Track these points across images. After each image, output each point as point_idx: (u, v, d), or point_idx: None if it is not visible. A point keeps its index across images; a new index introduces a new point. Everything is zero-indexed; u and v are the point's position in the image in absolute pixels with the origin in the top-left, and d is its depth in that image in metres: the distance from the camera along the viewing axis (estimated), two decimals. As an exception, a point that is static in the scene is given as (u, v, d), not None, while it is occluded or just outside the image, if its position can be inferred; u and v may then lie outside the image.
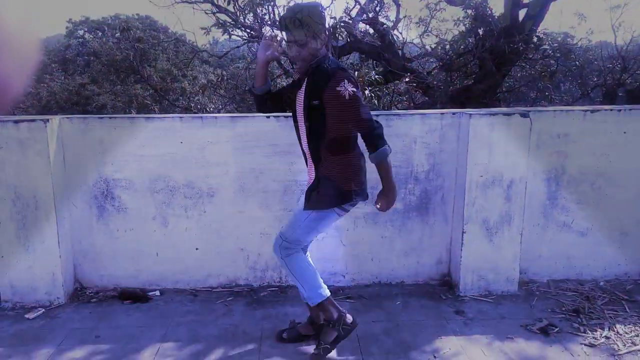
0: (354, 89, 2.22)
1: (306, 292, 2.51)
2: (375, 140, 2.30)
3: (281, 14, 2.41)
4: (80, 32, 23.71)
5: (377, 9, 6.56)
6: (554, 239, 3.35)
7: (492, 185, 3.08)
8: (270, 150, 3.18)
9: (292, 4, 6.01)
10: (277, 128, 3.17)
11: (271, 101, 2.50)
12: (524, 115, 3.03)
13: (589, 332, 2.72)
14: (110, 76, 13.50)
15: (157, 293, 3.27)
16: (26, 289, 3.10)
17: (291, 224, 2.48)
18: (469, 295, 3.18)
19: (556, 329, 2.76)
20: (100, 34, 21.32)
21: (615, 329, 2.75)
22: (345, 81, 2.20)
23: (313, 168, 2.40)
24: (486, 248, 3.15)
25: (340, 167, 2.33)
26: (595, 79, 7.58)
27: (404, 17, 6.77)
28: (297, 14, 2.22)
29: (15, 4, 0.42)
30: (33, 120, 2.96)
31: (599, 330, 2.75)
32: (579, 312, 2.93)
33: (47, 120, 2.98)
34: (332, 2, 6.54)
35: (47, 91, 14.36)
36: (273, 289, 3.31)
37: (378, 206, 2.45)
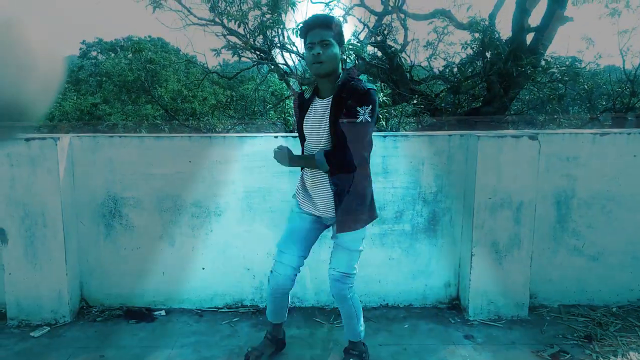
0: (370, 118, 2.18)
1: (361, 327, 2.52)
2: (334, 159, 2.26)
3: (309, 17, 2.34)
4: (93, 53, 24.16)
5: (386, 32, 6.63)
6: (564, 263, 3.31)
7: (501, 208, 3.05)
8: (277, 170, 3.18)
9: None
10: (286, 148, 3.18)
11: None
12: (533, 137, 3.02)
13: (602, 359, 2.66)
14: (122, 96, 13.70)
15: (163, 312, 3.25)
16: (32, 307, 3.09)
17: (343, 257, 2.36)
18: (478, 319, 3.13)
19: (568, 356, 2.70)
20: (112, 55, 21.69)
21: (629, 356, 2.68)
22: (370, 107, 2.16)
23: (329, 185, 2.30)
24: (495, 271, 3.11)
25: (363, 183, 2.31)
26: (604, 102, 7.57)
27: (412, 40, 6.84)
28: (328, 17, 2.25)
29: (38, 24, 0.43)
30: (44, 139, 3.00)
31: (612, 357, 2.68)
32: (591, 339, 2.87)
33: (58, 138, 3.01)
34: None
35: (60, 111, 14.57)
36: (279, 310, 3.28)
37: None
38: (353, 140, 2.20)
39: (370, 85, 2.21)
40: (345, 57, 2.32)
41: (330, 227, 2.46)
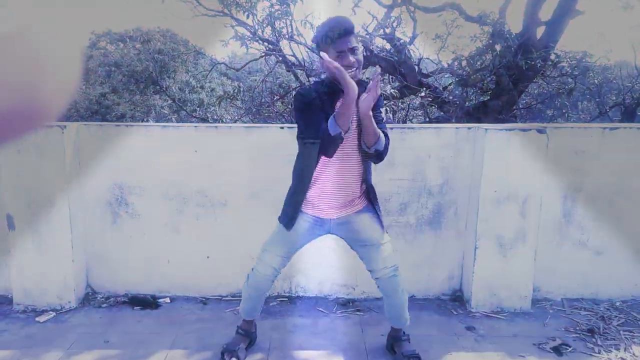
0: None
1: (407, 313, 2.55)
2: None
3: (331, 23, 2.21)
4: (103, 44, 24.22)
5: (395, 24, 6.59)
6: (569, 257, 3.29)
7: (507, 201, 3.04)
8: (283, 160, 3.18)
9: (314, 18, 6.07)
10: (291, 139, 3.18)
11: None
12: (541, 131, 3.00)
13: (604, 353, 2.65)
14: (130, 86, 13.75)
15: (167, 300, 3.28)
16: (38, 292, 3.13)
17: (385, 252, 2.38)
18: (481, 311, 3.13)
19: (570, 349, 2.70)
20: (121, 45, 21.74)
21: (631, 351, 2.67)
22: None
23: (359, 186, 2.32)
24: (499, 264, 3.10)
25: (367, 177, 2.37)
26: (614, 97, 7.49)
27: (421, 33, 6.78)
28: (351, 22, 2.20)
29: (53, 14, 0.43)
30: (50, 126, 3.02)
31: (614, 351, 2.67)
32: (593, 332, 2.87)
33: (65, 126, 3.03)
34: (350, 17, 6.58)
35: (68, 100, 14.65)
36: (282, 299, 3.30)
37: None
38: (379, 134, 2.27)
39: None
40: None
41: (334, 234, 2.42)
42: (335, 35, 2.15)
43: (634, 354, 2.64)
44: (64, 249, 3.09)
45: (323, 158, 2.24)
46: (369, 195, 2.38)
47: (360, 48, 2.22)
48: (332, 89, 2.22)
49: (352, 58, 2.15)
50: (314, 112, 2.18)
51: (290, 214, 2.35)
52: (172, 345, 2.72)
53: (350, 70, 2.13)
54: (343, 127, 2.09)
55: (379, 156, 2.27)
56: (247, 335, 2.65)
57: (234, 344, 2.59)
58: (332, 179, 2.28)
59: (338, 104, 2.20)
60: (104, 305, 3.21)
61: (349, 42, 2.14)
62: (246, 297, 2.55)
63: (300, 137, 2.28)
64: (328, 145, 2.14)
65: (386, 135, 2.25)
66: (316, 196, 2.32)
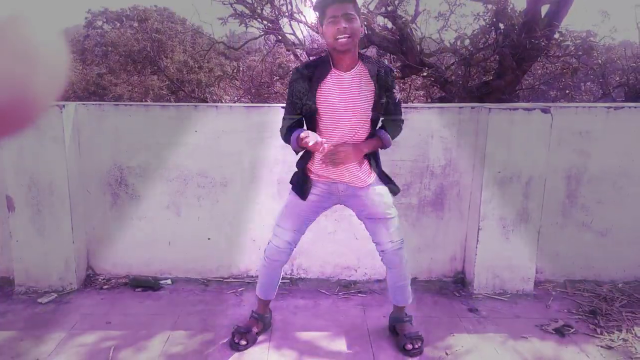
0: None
1: (410, 291, 2.56)
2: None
3: None
4: (99, 23, 23.91)
5: (396, 2, 6.48)
6: (572, 239, 3.28)
7: (510, 182, 3.02)
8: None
9: None
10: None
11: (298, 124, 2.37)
12: (545, 111, 2.96)
13: (606, 334, 2.66)
14: (128, 67, 13.60)
15: (169, 282, 3.27)
16: (40, 274, 3.12)
17: (391, 227, 2.38)
18: (483, 293, 3.13)
19: (572, 330, 2.70)
20: (118, 24, 21.47)
21: (633, 332, 2.68)
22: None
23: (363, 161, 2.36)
24: (502, 246, 3.09)
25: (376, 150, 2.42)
26: (618, 78, 7.42)
27: (423, 11, 6.68)
28: None
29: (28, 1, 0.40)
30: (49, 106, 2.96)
31: (617, 332, 2.68)
32: (596, 314, 2.87)
33: (63, 106, 2.99)
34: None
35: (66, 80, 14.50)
36: (284, 281, 3.29)
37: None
38: (393, 113, 2.36)
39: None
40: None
41: (343, 205, 2.46)
42: (328, 2, 2.15)
43: (636, 335, 2.64)
44: (64, 230, 3.07)
45: (323, 126, 2.29)
46: (378, 169, 2.41)
47: (358, 20, 2.18)
48: (323, 68, 2.26)
49: (344, 24, 2.12)
50: (293, 99, 2.29)
51: (299, 184, 2.39)
52: (174, 326, 2.72)
53: (340, 37, 2.12)
54: (295, 149, 2.29)
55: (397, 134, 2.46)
56: (261, 319, 2.63)
57: (247, 327, 2.58)
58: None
59: (331, 74, 2.24)
60: (106, 287, 3.21)
61: (343, 8, 2.12)
62: (262, 272, 2.55)
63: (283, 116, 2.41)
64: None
65: (396, 121, 2.38)
66: (321, 162, 2.32)
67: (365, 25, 5.68)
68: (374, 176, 2.38)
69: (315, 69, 2.26)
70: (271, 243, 2.48)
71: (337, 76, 2.24)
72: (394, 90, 2.31)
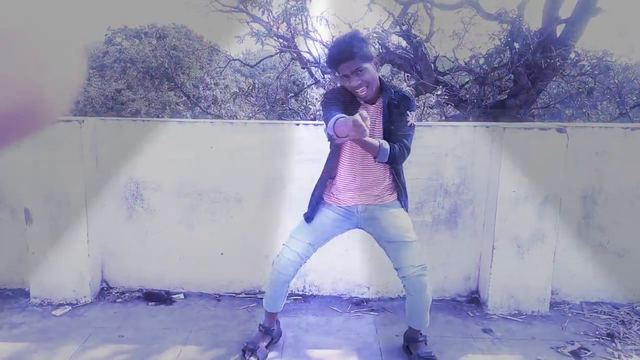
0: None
1: (428, 315, 2.51)
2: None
3: (332, 50, 2.30)
4: (118, 40, 24.38)
5: (411, 21, 6.54)
6: (588, 260, 3.23)
7: (525, 201, 2.99)
8: (298, 158, 3.17)
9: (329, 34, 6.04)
10: (306, 136, 3.16)
11: None
12: (561, 130, 2.94)
13: (624, 358, 2.60)
14: (145, 82, 13.82)
15: (182, 296, 3.28)
16: (54, 286, 3.15)
17: (413, 250, 2.38)
18: (498, 313, 3.08)
19: (588, 353, 2.65)
20: (137, 41, 21.86)
21: (653, 357, 2.61)
22: (415, 112, 2.38)
23: (384, 180, 2.39)
24: (517, 266, 3.05)
25: (397, 174, 2.42)
26: (635, 98, 7.35)
27: (438, 30, 6.72)
28: (349, 45, 2.19)
29: (55, 12, 0.42)
30: (69, 121, 3.03)
31: (635, 356, 2.62)
32: (613, 337, 2.81)
33: (82, 121, 3.05)
34: (366, 14, 6.56)
35: (84, 96, 14.76)
36: (296, 297, 3.28)
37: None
38: (403, 140, 2.33)
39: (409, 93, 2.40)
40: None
41: (361, 229, 2.47)
42: (334, 63, 2.25)
43: (655, 360, 2.58)
44: (80, 243, 3.10)
45: (346, 151, 2.34)
46: (399, 192, 2.43)
47: (370, 66, 2.23)
48: (353, 97, 2.32)
49: (356, 80, 2.20)
50: (332, 108, 2.22)
51: (311, 206, 2.44)
52: (186, 341, 2.72)
53: (358, 91, 2.23)
54: (338, 134, 2.00)
55: (390, 163, 2.33)
56: (268, 333, 2.62)
57: (255, 342, 2.57)
58: (355, 172, 2.36)
59: (360, 109, 2.26)
60: (119, 300, 3.23)
61: (351, 66, 2.19)
62: (269, 283, 2.54)
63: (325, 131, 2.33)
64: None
65: (400, 146, 2.28)
66: (341, 187, 2.39)
67: (380, 44, 5.73)
68: (394, 196, 2.41)
69: (347, 95, 2.31)
70: (281, 254, 2.47)
71: (363, 107, 2.32)
72: (407, 117, 2.31)
